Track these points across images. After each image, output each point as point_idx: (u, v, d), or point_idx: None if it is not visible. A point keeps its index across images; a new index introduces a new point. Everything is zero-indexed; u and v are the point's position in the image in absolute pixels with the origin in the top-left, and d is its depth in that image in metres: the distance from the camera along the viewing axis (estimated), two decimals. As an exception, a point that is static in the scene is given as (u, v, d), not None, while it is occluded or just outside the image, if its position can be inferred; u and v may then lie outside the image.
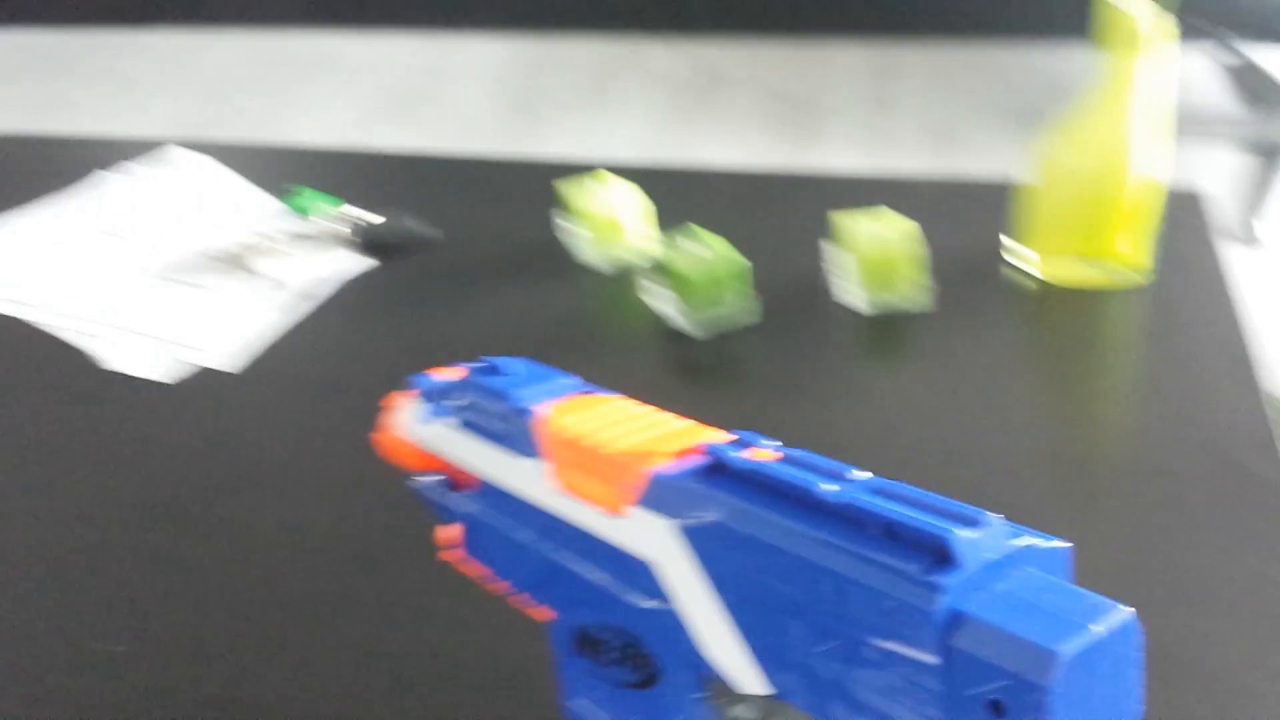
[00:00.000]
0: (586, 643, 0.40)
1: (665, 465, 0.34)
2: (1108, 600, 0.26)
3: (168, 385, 0.83)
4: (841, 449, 0.63)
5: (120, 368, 0.85)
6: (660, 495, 0.34)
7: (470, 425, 0.42)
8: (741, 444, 0.34)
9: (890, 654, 0.27)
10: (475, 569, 0.45)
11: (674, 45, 3.20)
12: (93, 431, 0.78)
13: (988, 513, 0.27)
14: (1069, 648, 0.24)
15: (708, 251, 0.84)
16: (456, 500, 0.45)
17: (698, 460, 0.34)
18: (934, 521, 0.27)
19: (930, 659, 0.26)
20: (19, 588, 0.65)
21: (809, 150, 2.69)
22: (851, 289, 0.87)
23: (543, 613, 0.42)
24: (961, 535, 0.26)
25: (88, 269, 0.98)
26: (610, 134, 2.83)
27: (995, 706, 0.25)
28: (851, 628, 0.28)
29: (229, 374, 0.84)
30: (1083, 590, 0.26)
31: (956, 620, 0.26)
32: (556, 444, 0.38)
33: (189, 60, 3.35)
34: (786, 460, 0.32)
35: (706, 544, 0.32)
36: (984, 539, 0.27)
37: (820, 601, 0.29)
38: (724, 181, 1.11)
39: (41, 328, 0.90)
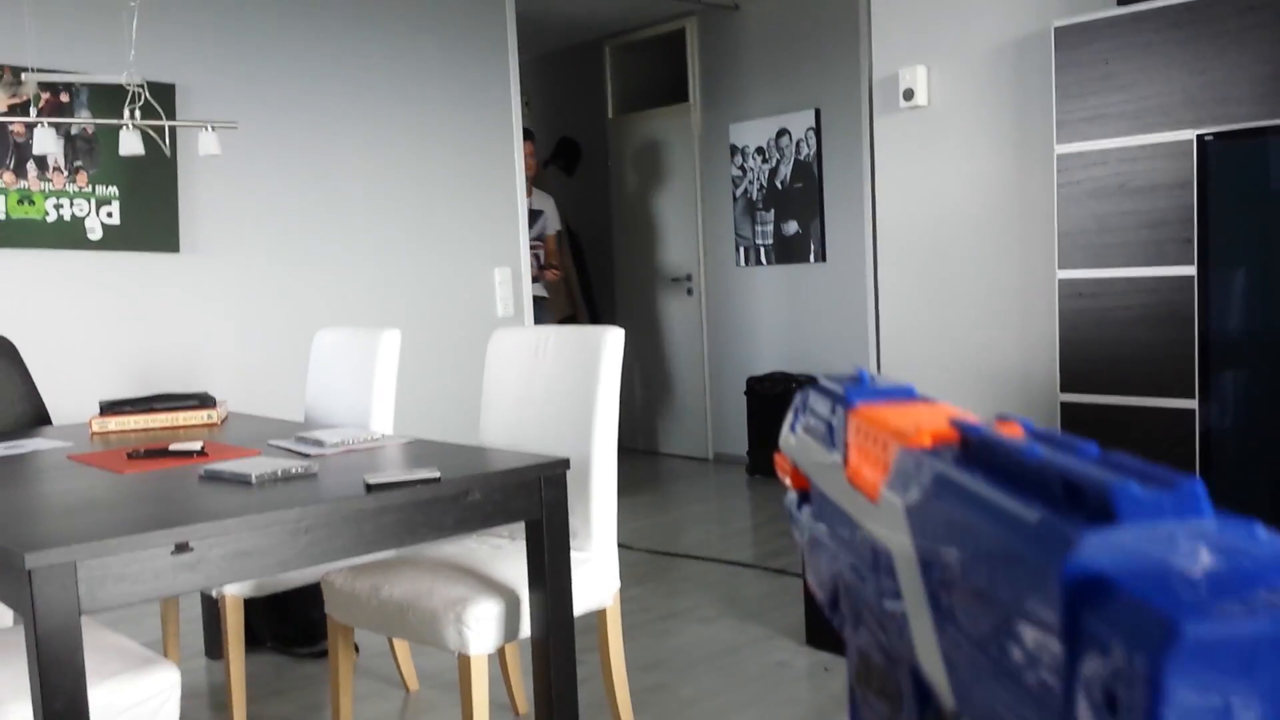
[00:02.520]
0: (863, 671, 0.36)
1: (918, 443, 0.31)
2: None
3: None
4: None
5: None
6: (901, 473, 0.31)
7: (810, 430, 0.41)
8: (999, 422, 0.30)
9: (1024, 632, 0.23)
10: (814, 589, 0.43)
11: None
12: None
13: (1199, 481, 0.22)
14: (1203, 623, 0.19)
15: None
16: (805, 514, 0.42)
17: (948, 438, 0.31)
18: (1126, 479, 0.22)
19: (1052, 627, 0.22)
20: None
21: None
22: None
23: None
24: (1138, 490, 0.22)
25: None
26: None
27: (1110, 700, 0.20)
28: (1001, 599, 0.24)
29: None
30: None
31: (1093, 582, 0.21)
32: (854, 434, 0.36)
33: None
34: (1029, 435, 0.28)
35: (919, 522, 0.29)
36: (1175, 503, 0.22)
37: (979, 571, 0.25)
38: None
39: None
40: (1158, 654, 0.19)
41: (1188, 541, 0.21)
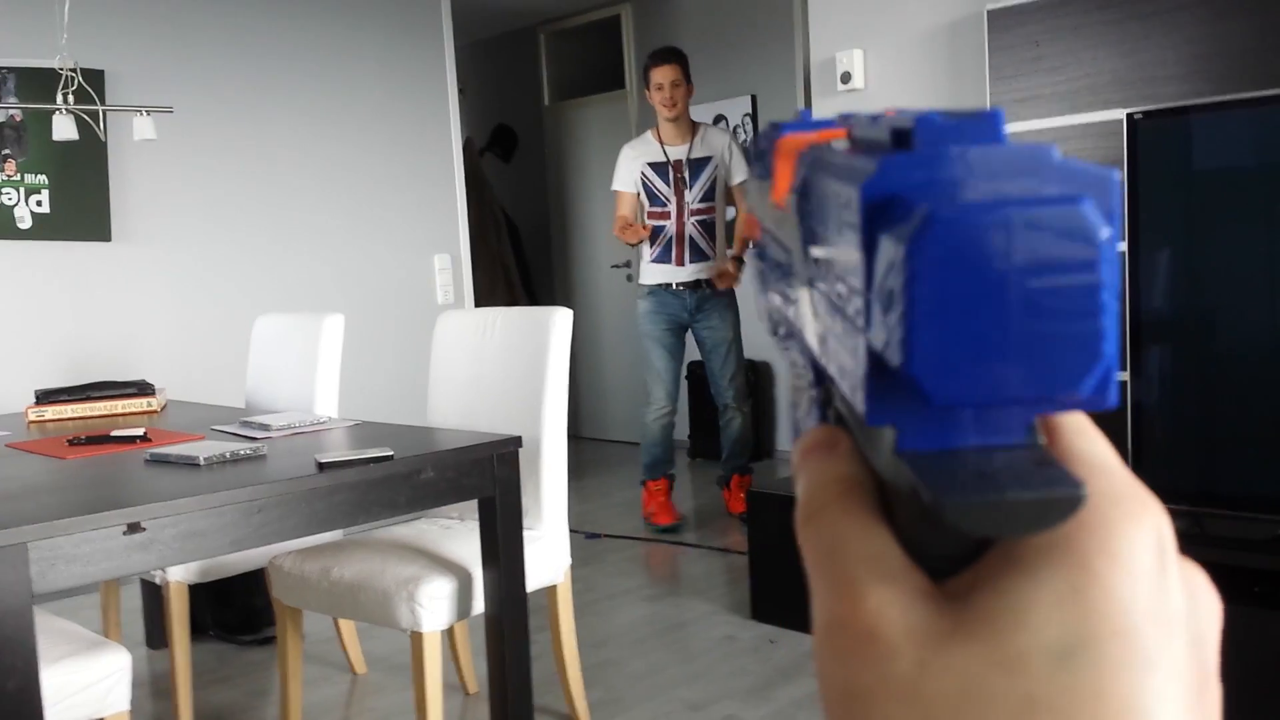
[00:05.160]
0: (793, 380, 0.36)
1: (816, 142, 0.31)
2: (1100, 169, 0.22)
3: None
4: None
5: None
6: (798, 173, 0.30)
7: (756, 172, 0.40)
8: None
9: (847, 268, 0.24)
10: (762, 319, 0.43)
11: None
12: None
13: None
14: (954, 208, 0.21)
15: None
16: (757, 260, 0.42)
17: (841, 135, 0.31)
18: (931, 114, 0.23)
19: (857, 252, 0.23)
20: None
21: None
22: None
23: None
24: (938, 119, 0.23)
25: None
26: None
27: (888, 298, 0.22)
28: (834, 245, 0.25)
29: None
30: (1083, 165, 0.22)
31: (889, 204, 0.22)
32: (778, 158, 0.35)
33: None
34: (901, 112, 0.28)
35: (801, 205, 0.29)
36: (973, 129, 0.23)
37: (827, 227, 0.26)
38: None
39: None
40: (911, 238, 0.20)
41: (974, 160, 0.22)
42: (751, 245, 0.43)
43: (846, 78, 3.93)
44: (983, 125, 0.23)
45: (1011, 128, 3.35)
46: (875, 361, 0.23)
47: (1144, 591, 0.23)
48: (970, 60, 3.63)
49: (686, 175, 4.55)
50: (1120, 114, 3.05)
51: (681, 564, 4.17)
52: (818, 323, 0.28)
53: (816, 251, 0.28)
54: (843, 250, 0.24)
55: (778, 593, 3.36)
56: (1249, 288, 2.72)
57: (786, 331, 0.37)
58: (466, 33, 6.94)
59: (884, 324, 0.22)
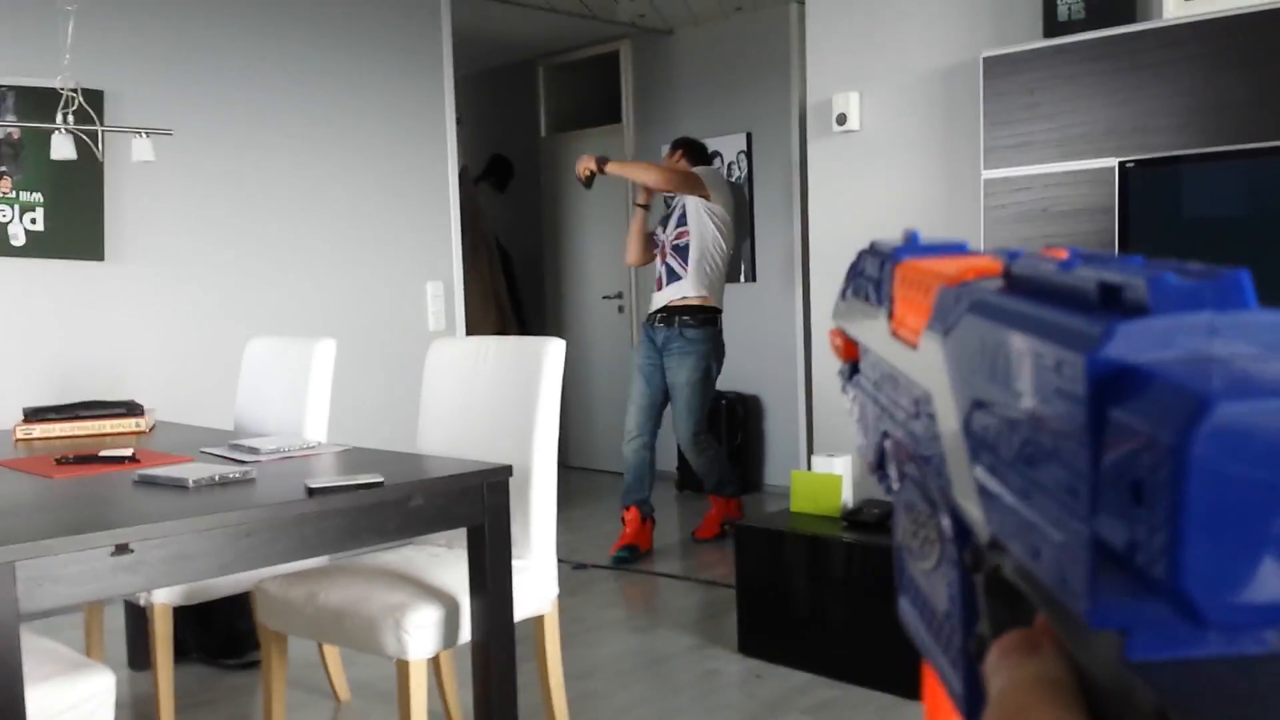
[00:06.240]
0: (908, 526, 0.35)
1: (960, 279, 0.29)
2: None
3: None
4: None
5: None
6: (941, 311, 0.28)
7: (858, 291, 0.38)
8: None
9: (1052, 435, 0.21)
10: (860, 453, 0.40)
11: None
12: None
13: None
14: (1236, 400, 0.18)
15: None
16: (854, 382, 0.40)
17: (990, 271, 0.29)
18: (1161, 273, 0.21)
19: (1079, 425, 0.20)
20: None
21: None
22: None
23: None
24: (1174, 280, 0.20)
25: None
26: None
27: (1136, 489, 0.19)
28: (1030, 410, 0.22)
29: None
30: None
31: (1121, 376, 0.20)
32: (899, 286, 0.34)
33: None
34: (1075, 254, 0.25)
35: (953, 351, 0.27)
36: (1215, 294, 0.20)
37: (1010, 387, 0.23)
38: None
39: None
40: (1186, 429, 0.18)
41: (1227, 330, 0.20)
42: (843, 365, 0.42)
43: (842, 119, 3.97)
44: (1227, 289, 0.20)
45: (1004, 173, 3.40)
46: (1100, 555, 0.20)
47: None
48: (965, 105, 3.67)
49: (669, 217, 4.94)
50: (1113, 162, 3.09)
51: (668, 596, 4.16)
52: (980, 477, 0.25)
53: (981, 409, 0.25)
54: (1041, 416, 0.21)
55: (764, 627, 3.36)
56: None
57: (900, 475, 0.34)
58: (466, 63, 6.99)
59: (1126, 520, 0.19)
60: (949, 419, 0.27)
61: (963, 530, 0.28)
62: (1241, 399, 0.18)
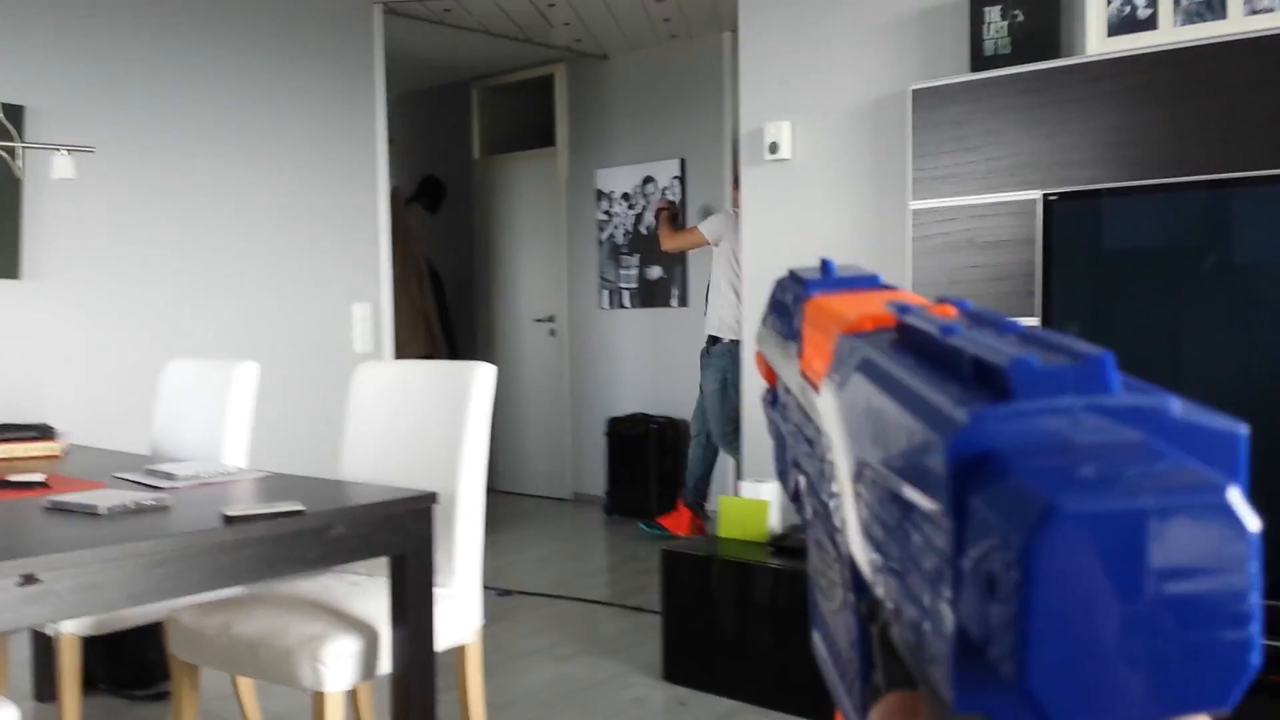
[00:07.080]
0: (816, 562, 0.34)
1: (857, 328, 0.29)
2: (1221, 477, 0.18)
3: None
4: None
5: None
6: (838, 360, 0.28)
7: (772, 324, 0.38)
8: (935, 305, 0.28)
9: (919, 514, 0.21)
10: (780, 480, 0.40)
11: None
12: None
13: (1114, 368, 0.20)
14: (1081, 503, 0.18)
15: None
16: (774, 409, 0.40)
17: (887, 322, 0.29)
18: (1025, 355, 0.21)
19: (938, 509, 0.20)
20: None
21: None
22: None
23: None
24: (1037, 364, 0.20)
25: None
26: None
27: (990, 584, 0.19)
28: (904, 485, 0.22)
29: None
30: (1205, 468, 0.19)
31: (981, 462, 0.19)
32: (806, 326, 0.34)
33: None
34: (962, 315, 0.26)
35: (846, 407, 0.27)
36: (1078, 378, 0.20)
37: (890, 453, 0.23)
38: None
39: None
40: (1031, 535, 0.18)
41: (1085, 420, 0.19)
42: (765, 390, 0.42)
43: (774, 148, 4.00)
44: (1090, 372, 0.20)
45: (931, 204, 3.44)
46: (963, 641, 0.20)
47: None
48: (894, 136, 3.71)
49: None
50: (1036, 194, 3.14)
51: (595, 622, 4.13)
52: (866, 537, 0.25)
53: (866, 471, 0.25)
54: (912, 491, 0.21)
55: (690, 653, 3.34)
56: (1154, 364, 2.80)
57: (812, 511, 0.34)
58: (399, 83, 6.94)
59: (981, 613, 0.19)
60: (844, 472, 0.27)
61: (859, 579, 0.28)
62: (1091, 500, 0.18)
